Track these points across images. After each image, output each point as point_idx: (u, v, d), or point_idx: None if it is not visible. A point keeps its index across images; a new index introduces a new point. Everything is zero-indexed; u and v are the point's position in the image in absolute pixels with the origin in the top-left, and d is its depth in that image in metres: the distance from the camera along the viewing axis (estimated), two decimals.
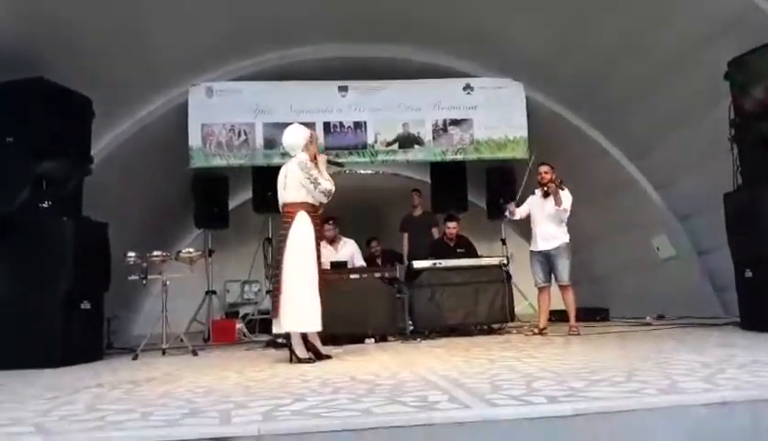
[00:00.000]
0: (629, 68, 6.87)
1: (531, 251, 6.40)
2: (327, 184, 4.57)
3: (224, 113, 7.82)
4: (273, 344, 6.19)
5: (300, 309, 4.44)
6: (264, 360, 4.86)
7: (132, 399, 2.99)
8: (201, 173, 8.23)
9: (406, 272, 7.02)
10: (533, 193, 6.48)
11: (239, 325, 7.90)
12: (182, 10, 6.35)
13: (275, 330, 4.66)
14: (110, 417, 2.44)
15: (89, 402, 2.90)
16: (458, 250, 7.32)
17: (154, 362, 5.13)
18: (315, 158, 4.69)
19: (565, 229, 6.21)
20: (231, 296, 10.64)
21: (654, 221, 7.88)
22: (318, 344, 4.67)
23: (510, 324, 6.75)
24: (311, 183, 4.52)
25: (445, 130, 8.16)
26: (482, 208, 9.42)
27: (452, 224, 7.47)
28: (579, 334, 5.85)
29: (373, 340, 6.10)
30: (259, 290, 10.13)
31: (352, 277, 6.49)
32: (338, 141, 7.91)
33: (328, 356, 4.61)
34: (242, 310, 9.80)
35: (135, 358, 5.42)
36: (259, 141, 7.86)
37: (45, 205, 5.34)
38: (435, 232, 8.04)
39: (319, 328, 4.52)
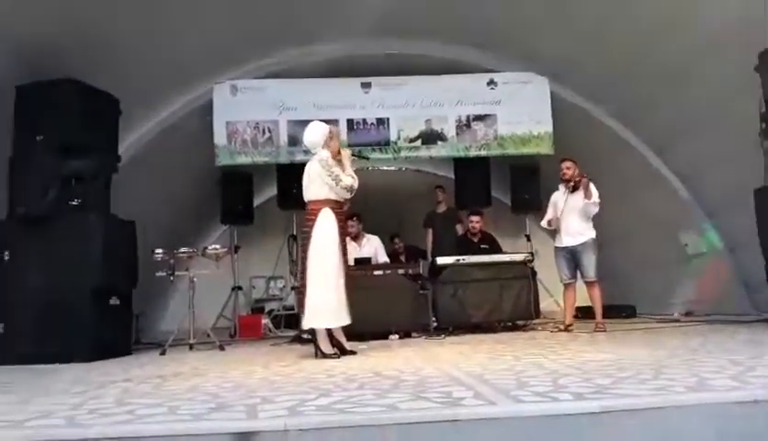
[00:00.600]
0: (656, 61, 6.76)
1: (556, 247, 6.34)
2: (348, 180, 4.57)
3: (249, 111, 7.87)
4: (298, 339, 6.22)
5: (324, 305, 4.47)
6: (289, 355, 4.89)
7: (160, 393, 3.03)
8: (227, 170, 8.29)
9: (429, 268, 7.01)
10: (556, 189, 6.43)
11: (265, 321, 7.97)
12: (206, 8, 6.40)
13: (303, 326, 4.69)
14: (139, 411, 2.47)
15: (118, 397, 2.94)
16: (482, 246, 7.29)
17: (182, 357, 5.19)
18: (339, 153, 4.70)
19: (591, 224, 6.15)
20: (256, 292, 10.74)
21: (682, 217, 7.76)
22: (342, 339, 4.69)
23: (535, 321, 6.72)
24: (333, 180, 4.53)
25: (468, 125, 8.12)
26: (506, 203, 9.37)
27: (476, 218, 7.44)
28: (605, 331, 5.79)
29: (397, 336, 6.11)
30: (284, 286, 10.20)
31: (375, 273, 6.51)
32: (361, 138, 7.91)
33: (352, 352, 4.63)
34: (268, 306, 9.88)
35: (163, 353, 5.49)
36: (283, 139, 7.90)
37: (74, 203, 5.42)
38: (460, 229, 8.01)
39: (343, 323, 4.55)
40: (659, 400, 2.28)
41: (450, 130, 8.10)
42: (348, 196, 4.64)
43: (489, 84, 8.13)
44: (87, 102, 5.68)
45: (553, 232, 6.44)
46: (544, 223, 6.50)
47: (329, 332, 4.58)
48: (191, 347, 5.81)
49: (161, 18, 6.18)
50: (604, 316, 6.17)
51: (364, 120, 8.02)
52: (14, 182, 5.44)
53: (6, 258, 5.30)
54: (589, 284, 6.14)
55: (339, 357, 4.41)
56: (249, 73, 7.93)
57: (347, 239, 5.58)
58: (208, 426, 2.17)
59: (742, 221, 6.10)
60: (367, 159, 5.82)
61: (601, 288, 6.17)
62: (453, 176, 8.94)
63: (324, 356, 4.44)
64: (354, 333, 4.83)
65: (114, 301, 5.50)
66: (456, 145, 8.12)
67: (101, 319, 5.28)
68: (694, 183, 7.53)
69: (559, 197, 6.35)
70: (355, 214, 7.13)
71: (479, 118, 8.12)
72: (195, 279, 6.04)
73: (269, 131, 7.92)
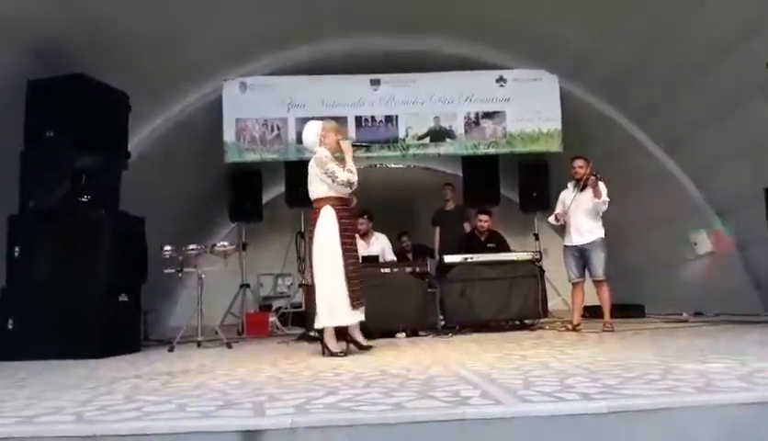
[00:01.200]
0: (666, 59, 6.72)
1: (565, 245, 6.32)
2: (344, 176, 4.53)
3: (258, 108, 7.89)
4: (305, 337, 6.25)
5: (326, 304, 4.49)
6: (297, 353, 4.90)
7: (168, 390, 3.05)
8: (235, 167, 8.32)
9: (437, 266, 7.01)
10: (565, 187, 6.41)
11: (272, 318, 7.98)
12: (215, 5, 6.42)
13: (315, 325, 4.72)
14: (147, 408, 2.49)
15: (127, 393, 2.96)
16: (489, 244, 7.27)
17: (190, 354, 5.22)
18: (338, 145, 4.70)
19: (600, 223, 6.12)
20: (264, 289, 10.77)
21: (691, 216, 7.72)
22: (357, 336, 4.70)
23: (543, 320, 6.70)
24: (329, 177, 4.53)
25: (477, 123, 8.10)
26: (515, 201, 9.34)
27: (484, 217, 7.42)
28: (613, 331, 5.77)
29: (404, 335, 6.11)
30: (292, 284, 10.23)
31: (383, 271, 6.51)
32: (370, 135, 7.91)
33: (368, 347, 4.66)
34: (276, 304, 9.90)
35: (171, 350, 5.51)
36: (292, 136, 7.91)
37: (84, 199, 5.45)
38: (468, 227, 8.00)
39: (345, 322, 4.55)
40: (666, 400, 2.27)
41: (459, 128, 8.09)
42: (348, 191, 4.60)
43: (498, 81, 8.11)
44: (98, 98, 5.72)
45: (561, 231, 6.41)
46: (551, 219, 6.47)
47: (343, 329, 4.59)
48: (199, 344, 5.83)
49: (171, 15, 6.20)
50: (613, 315, 6.15)
51: (372, 118, 8.02)
52: (25, 177, 5.48)
53: (17, 254, 5.34)
54: (597, 283, 6.12)
55: (346, 355, 4.42)
56: (258, 70, 7.95)
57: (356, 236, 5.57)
58: (216, 424, 2.18)
59: (752, 220, 6.06)
60: (367, 147, 5.77)
61: (609, 288, 6.14)
62: (461, 174, 8.93)
63: (331, 354, 4.44)
64: (361, 330, 4.83)
65: (123, 298, 5.54)
66: (464, 143, 8.11)
67: (111, 315, 5.31)
68: (704, 181, 7.48)
69: (567, 195, 6.33)
70: (366, 211, 7.11)
71: (487, 115, 8.10)
72: (203, 276, 6.06)
73: (278, 129, 7.94)
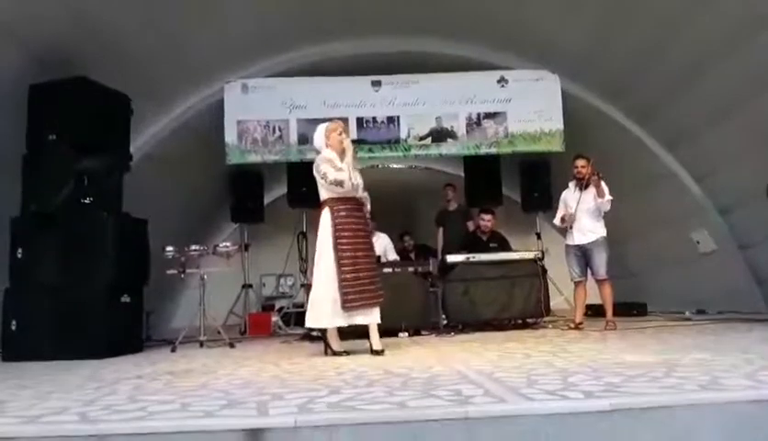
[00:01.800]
0: (668, 58, 6.71)
1: (567, 245, 6.32)
2: (333, 175, 4.47)
3: (259, 109, 7.90)
4: (308, 336, 6.25)
5: (316, 305, 4.47)
6: (299, 353, 4.91)
7: (172, 390, 3.05)
8: (237, 169, 8.32)
9: (439, 266, 7.01)
10: (566, 187, 6.41)
11: (275, 318, 7.99)
12: (217, 8, 6.43)
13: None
14: (151, 407, 2.49)
15: (130, 393, 2.97)
16: (491, 244, 7.28)
17: (192, 354, 5.22)
18: (341, 145, 4.66)
19: (602, 222, 6.13)
20: (266, 289, 10.78)
21: (694, 214, 7.71)
22: (372, 337, 4.55)
23: (545, 319, 6.69)
24: (321, 177, 4.54)
25: (478, 123, 8.10)
26: (517, 201, 9.34)
27: (487, 217, 7.42)
28: (616, 329, 5.77)
29: (407, 334, 6.11)
30: (294, 284, 10.23)
31: (385, 271, 6.49)
32: (371, 136, 7.92)
33: (377, 352, 4.44)
34: (278, 304, 9.91)
35: (174, 350, 5.52)
36: (293, 137, 7.92)
37: (87, 201, 5.47)
38: (471, 226, 8.01)
39: (329, 325, 4.47)
40: (670, 398, 2.27)
41: (460, 128, 8.08)
42: (341, 190, 4.51)
43: (499, 81, 8.11)
44: (100, 101, 5.74)
45: (564, 230, 6.41)
46: (557, 221, 6.48)
47: (352, 328, 4.55)
48: (201, 345, 5.84)
49: (173, 18, 6.21)
50: (615, 314, 6.14)
51: (374, 119, 8.02)
52: (27, 180, 5.50)
53: (20, 256, 5.36)
54: (600, 282, 6.12)
55: (348, 355, 4.41)
56: (260, 72, 7.96)
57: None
58: (220, 423, 2.19)
59: (755, 218, 6.05)
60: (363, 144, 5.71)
61: (612, 286, 6.14)
62: (463, 174, 8.94)
63: (333, 353, 4.45)
64: (365, 330, 4.82)
65: (126, 299, 5.54)
66: (466, 143, 8.10)
67: (113, 316, 5.32)
68: (706, 179, 7.47)
69: (569, 195, 6.33)
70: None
71: (489, 115, 8.10)
72: (205, 277, 6.07)
73: (279, 130, 7.94)
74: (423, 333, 6.23)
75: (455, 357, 4.03)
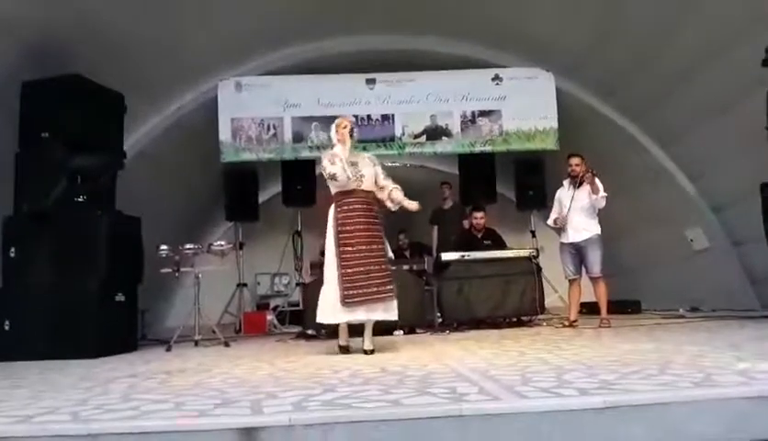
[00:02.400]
0: (662, 57, 6.73)
1: (561, 242, 6.33)
2: (328, 168, 4.46)
3: (253, 107, 7.89)
4: (303, 335, 6.25)
5: (322, 300, 4.47)
6: (294, 351, 4.90)
7: (166, 389, 3.04)
8: (231, 167, 8.31)
9: (434, 264, 7.01)
10: (561, 186, 6.42)
11: (269, 317, 7.99)
12: (211, 5, 6.41)
13: None
14: (144, 407, 2.48)
15: (124, 392, 2.95)
16: (485, 242, 7.28)
17: (187, 353, 5.21)
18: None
19: (596, 220, 6.13)
20: (261, 288, 10.77)
21: (688, 212, 7.74)
22: (366, 335, 4.52)
23: (540, 317, 6.70)
24: (322, 171, 4.56)
25: (473, 121, 8.11)
26: (512, 199, 9.35)
27: (479, 214, 7.43)
28: (610, 327, 5.78)
29: (402, 332, 6.10)
30: (289, 282, 10.23)
31: None
32: (366, 134, 7.90)
33: (366, 351, 4.42)
34: (273, 302, 9.91)
35: (168, 349, 5.50)
36: (288, 135, 7.91)
37: (80, 199, 5.45)
38: (466, 224, 8.01)
39: (330, 321, 4.46)
40: (664, 395, 2.27)
41: (455, 126, 8.09)
42: (336, 183, 4.47)
43: (494, 79, 8.12)
44: (93, 98, 5.71)
45: (558, 229, 6.42)
46: (550, 222, 6.49)
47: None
48: (196, 343, 5.82)
49: (166, 15, 6.19)
50: (610, 312, 6.15)
51: (368, 116, 8.01)
52: (20, 178, 5.47)
53: (13, 254, 5.33)
54: (594, 280, 6.13)
55: (346, 352, 4.40)
56: (254, 70, 7.94)
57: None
58: (214, 422, 2.18)
59: (749, 216, 6.07)
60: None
61: (606, 284, 6.15)
62: (458, 173, 8.94)
63: (340, 348, 4.47)
64: (359, 328, 4.81)
65: (120, 298, 5.53)
66: (461, 141, 8.12)
67: (107, 315, 5.30)
68: (700, 177, 7.50)
69: (563, 193, 6.33)
70: None
71: (483, 113, 8.11)
72: (200, 276, 6.05)
73: (274, 128, 7.93)
74: (418, 331, 6.24)
75: (450, 355, 4.03)
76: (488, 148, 8.15)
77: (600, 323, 5.92)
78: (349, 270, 4.37)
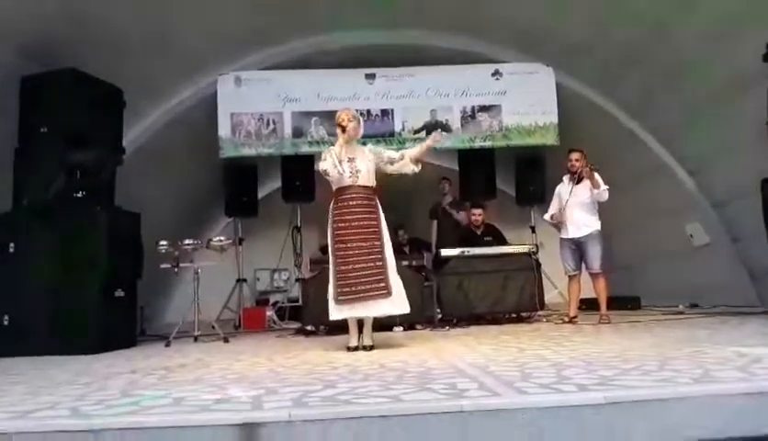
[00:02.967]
0: (662, 51, 6.71)
1: (561, 238, 6.32)
2: (322, 165, 4.47)
3: (253, 102, 7.86)
4: (302, 331, 6.25)
5: (329, 298, 4.47)
6: (294, 347, 4.90)
7: (165, 384, 3.04)
8: (231, 162, 8.29)
9: (434, 260, 7.01)
10: (560, 181, 6.41)
11: (269, 313, 7.97)
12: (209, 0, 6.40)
13: None
14: (144, 402, 2.48)
15: (123, 388, 2.96)
16: (486, 238, 7.28)
17: (186, 349, 5.21)
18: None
19: (596, 216, 6.13)
20: (261, 284, 10.74)
21: (687, 208, 7.73)
22: (365, 331, 4.54)
23: (539, 313, 6.70)
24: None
25: (473, 116, 8.10)
26: (511, 195, 9.33)
27: (477, 211, 7.44)
28: (610, 323, 5.78)
29: (401, 328, 6.10)
30: (288, 278, 10.22)
31: None
32: (365, 129, 7.68)
33: (366, 347, 4.43)
34: (273, 298, 9.89)
35: (168, 345, 5.50)
36: (287, 131, 7.89)
37: (79, 195, 5.43)
38: (461, 217, 8.01)
39: (332, 317, 4.44)
40: (663, 391, 2.28)
41: (455, 122, 8.08)
42: (330, 179, 4.47)
43: (494, 74, 8.10)
44: (92, 93, 5.71)
45: (555, 224, 6.41)
46: (547, 217, 6.48)
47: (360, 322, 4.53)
48: (196, 339, 5.82)
49: (165, 10, 6.17)
50: (609, 308, 6.15)
51: (368, 111, 7.99)
52: (19, 173, 5.47)
53: (12, 250, 5.33)
54: (594, 276, 6.12)
55: (353, 350, 4.37)
56: (253, 65, 7.92)
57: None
58: (214, 417, 2.18)
59: (749, 212, 6.07)
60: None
61: (606, 280, 6.15)
62: (457, 168, 8.92)
63: (348, 350, 4.41)
64: (359, 325, 4.81)
65: (119, 293, 5.52)
66: (461, 136, 8.10)
67: (106, 311, 5.29)
68: (700, 173, 7.49)
69: (563, 188, 6.32)
70: None
71: (484, 108, 8.10)
72: (199, 271, 6.03)
73: (273, 123, 7.91)
74: (417, 327, 6.23)
75: (449, 351, 4.03)
76: (488, 143, 8.14)
77: (599, 320, 5.92)
78: (343, 267, 4.37)
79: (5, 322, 5.20)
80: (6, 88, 5.39)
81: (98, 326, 5.19)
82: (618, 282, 7.72)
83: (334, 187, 4.53)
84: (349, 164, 4.47)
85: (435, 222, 8.26)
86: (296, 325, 6.98)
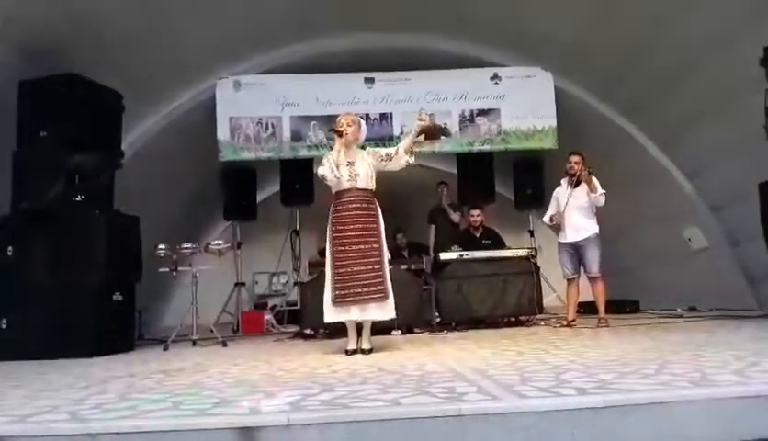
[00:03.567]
0: (661, 55, 6.73)
1: (559, 242, 6.33)
2: (318, 170, 4.49)
3: (252, 106, 7.87)
4: (301, 334, 6.25)
5: (325, 300, 4.47)
6: (292, 351, 4.90)
7: (163, 388, 3.04)
8: (230, 166, 8.30)
9: (432, 263, 7.01)
10: (558, 184, 6.42)
11: (267, 316, 7.97)
12: (209, 4, 6.40)
13: None
14: (142, 406, 2.48)
15: (121, 392, 2.95)
16: (484, 241, 7.29)
17: (185, 353, 5.20)
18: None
19: (594, 220, 6.14)
20: (259, 287, 10.75)
21: (686, 212, 7.74)
22: (363, 335, 4.53)
23: (538, 317, 6.70)
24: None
25: (472, 120, 8.11)
26: (510, 199, 9.35)
27: (476, 212, 7.46)
28: (608, 326, 5.78)
29: (400, 332, 6.09)
30: (287, 282, 10.21)
31: None
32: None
33: (365, 350, 4.43)
34: (271, 302, 9.89)
35: (166, 349, 5.50)
36: (286, 134, 7.90)
37: (78, 198, 5.43)
38: (456, 219, 8.00)
39: (327, 319, 4.44)
40: (662, 395, 2.27)
41: (454, 125, 8.09)
42: (327, 183, 4.50)
43: (492, 78, 8.11)
44: (91, 98, 5.70)
45: (556, 228, 6.41)
46: (546, 219, 6.49)
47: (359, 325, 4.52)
48: (194, 343, 5.81)
49: (164, 14, 6.18)
50: (608, 311, 6.15)
51: (367, 115, 7.97)
52: (17, 177, 5.46)
53: (10, 254, 5.32)
54: (592, 279, 6.13)
55: (350, 354, 4.36)
56: (252, 69, 7.93)
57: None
58: (212, 421, 2.17)
59: (747, 216, 6.07)
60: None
61: (604, 284, 6.15)
62: (456, 172, 8.93)
63: (346, 353, 4.39)
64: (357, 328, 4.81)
65: (117, 297, 5.51)
66: (459, 140, 8.11)
67: (105, 314, 5.29)
68: (698, 177, 7.50)
69: (561, 192, 6.33)
70: None
71: (482, 112, 8.11)
72: (198, 275, 6.04)
73: (272, 127, 7.92)
74: (416, 330, 6.22)
75: (448, 355, 4.03)
76: (486, 147, 8.15)
77: (598, 323, 5.92)
78: (341, 270, 4.38)
79: (4, 326, 5.19)
80: (5, 92, 5.39)
81: (96, 330, 5.19)
82: (617, 286, 7.72)
83: (334, 191, 4.54)
84: (348, 168, 4.48)
85: (433, 226, 8.26)
86: (294, 329, 6.98)
